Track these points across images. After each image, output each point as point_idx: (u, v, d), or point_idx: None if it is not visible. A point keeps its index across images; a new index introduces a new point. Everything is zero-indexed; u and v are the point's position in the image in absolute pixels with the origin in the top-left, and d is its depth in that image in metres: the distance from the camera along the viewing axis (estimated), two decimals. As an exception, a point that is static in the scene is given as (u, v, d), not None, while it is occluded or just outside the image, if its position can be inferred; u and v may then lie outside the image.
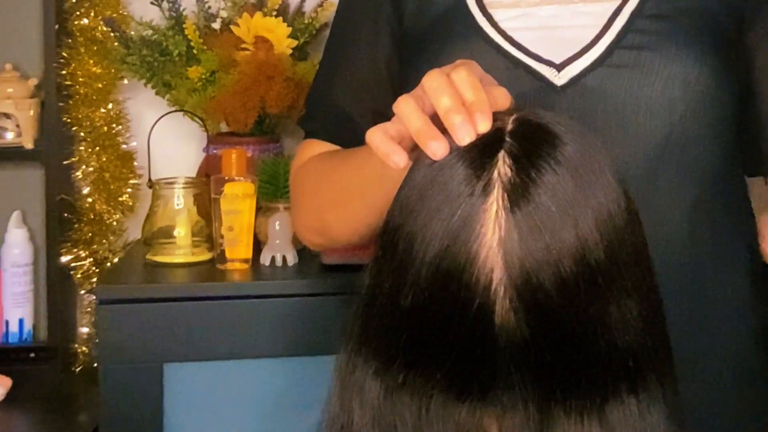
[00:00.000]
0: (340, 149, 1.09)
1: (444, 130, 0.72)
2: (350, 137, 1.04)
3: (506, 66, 0.98)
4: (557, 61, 0.98)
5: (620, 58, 0.96)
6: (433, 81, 0.74)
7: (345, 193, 1.00)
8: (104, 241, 1.91)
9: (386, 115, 0.79)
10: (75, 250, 1.89)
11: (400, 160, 0.73)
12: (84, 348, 1.91)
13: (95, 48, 1.86)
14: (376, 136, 0.76)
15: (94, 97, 1.88)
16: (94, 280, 1.89)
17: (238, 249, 1.60)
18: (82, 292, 1.92)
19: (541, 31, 0.99)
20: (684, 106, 0.95)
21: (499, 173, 0.68)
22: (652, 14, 0.98)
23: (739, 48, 1.02)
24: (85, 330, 1.93)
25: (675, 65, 0.96)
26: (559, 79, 0.97)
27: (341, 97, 1.11)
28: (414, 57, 1.05)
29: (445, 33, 1.03)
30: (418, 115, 0.73)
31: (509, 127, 0.71)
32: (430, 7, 1.05)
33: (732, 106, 1.00)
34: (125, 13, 1.89)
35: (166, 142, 1.87)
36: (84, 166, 1.90)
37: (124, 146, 1.92)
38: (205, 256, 1.67)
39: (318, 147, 1.12)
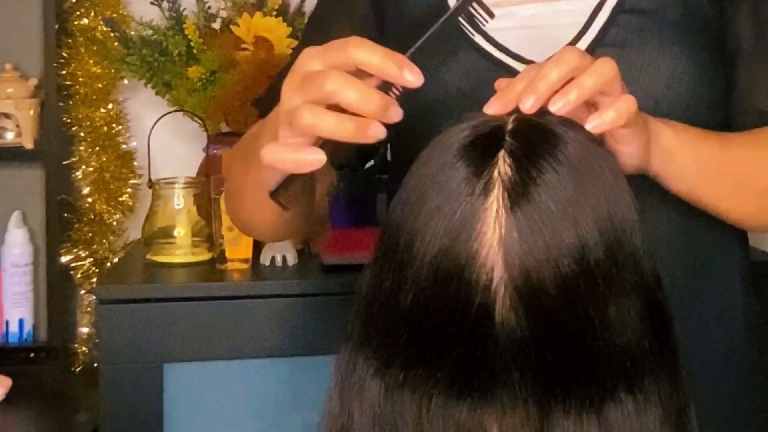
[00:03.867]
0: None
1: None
2: None
3: (488, 67, 0.97)
4: (539, 61, 0.96)
5: (602, 56, 0.94)
6: (331, 84, 0.71)
7: (239, 186, 0.99)
8: (104, 241, 1.91)
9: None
10: (75, 250, 1.90)
11: (317, 156, 0.72)
12: (84, 348, 1.91)
13: (95, 48, 1.87)
14: (269, 152, 0.74)
15: (94, 97, 1.89)
16: (94, 280, 1.89)
17: (238, 249, 1.61)
18: (82, 292, 1.93)
19: (522, 30, 0.98)
20: (668, 106, 0.94)
21: (499, 172, 0.68)
22: (634, 8, 0.97)
23: (722, 35, 1.01)
24: (85, 330, 1.94)
25: (659, 64, 0.94)
26: None
27: None
28: None
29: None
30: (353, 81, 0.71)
31: (509, 126, 0.71)
32: (412, 9, 1.03)
33: (717, 102, 0.99)
34: (125, 13, 1.90)
35: (166, 142, 1.87)
36: (84, 166, 1.90)
37: (124, 146, 1.93)
38: (205, 256, 1.67)
39: None
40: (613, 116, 0.72)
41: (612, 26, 0.96)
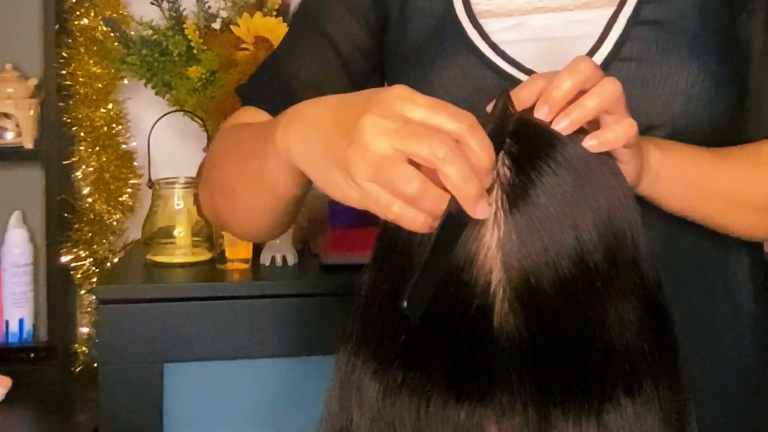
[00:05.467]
0: (260, 123, 0.97)
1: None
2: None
3: (499, 82, 0.93)
4: None
5: (619, 71, 0.90)
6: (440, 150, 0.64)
7: (230, 183, 0.95)
8: (104, 241, 1.91)
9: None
10: (75, 250, 1.90)
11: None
12: (84, 348, 1.91)
13: (95, 48, 1.86)
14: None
15: (94, 97, 1.89)
16: (94, 280, 1.89)
17: (238, 249, 1.61)
18: (82, 292, 1.93)
19: (534, 43, 0.95)
20: (685, 122, 0.92)
21: (498, 174, 0.67)
22: (649, 19, 0.94)
23: (737, 44, 0.99)
24: (85, 330, 1.94)
25: (677, 79, 0.92)
26: None
27: (289, 72, 1.04)
28: (402, 71, 1.00)
29: (434, 46, 0.97)
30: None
31: (509, 127, 0.70)
32: (417, 15, 1.00)
33: (733, 115, 0.97)
34: (125, 13, 1.90)
35: (166, 142, 1.87)
36: (84, 166, 1.90)
37: (124, 146, 1.93)
38: (205, 256, 1.67)
39: (252, 115, 1.02)
40: (609, 138, 0.72)
41: (628, 39, 0.94)
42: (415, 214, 0.65)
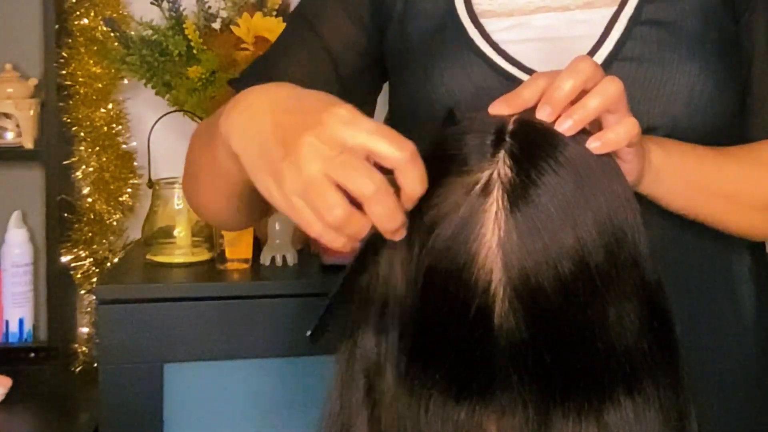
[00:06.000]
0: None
1: None
2: None
3: (500, 82, 0.93)
4: None
5: (619, 71, 0.90)
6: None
7: (193, 169, 0.95)
8: (104, 241, 1.91)
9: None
10: (75, 250, 1.90)
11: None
12: (84, 348, 1.91)
13: (95, 48, 1.87)
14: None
15: (94, 97, 1.89)
16: (94, 280, 1.89)
17: (238, 249, 1.61)
18: (82, 292, 1.93)
19: (536, 43, 0.95)
20: (686, 122, 0.92)
21: (499, 174, 0.68)
22: (651, 19, 0.94)
23: (738, 45, 0.99)
24: (85, 330, 1.94)
25: (678, 79, 0.92)
26: None
27: (279, 69, 1.04)
28: (404, 71, 1.00)
29: (436, 46, 0.97)
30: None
31: (510, 127, 0.71)
32: (419, 16, 1.00)
33: (735, 116, 0.97)
34: (125, 13, 1.90)
35: (166, 142, 1.87)
36: (84, 166, 1.90)
37: (124, 146, 1.93)
38: (205, 256, 1.67)
39: None
40: (612, 138, 0.72)
41: (629, 39, 0.94)
42: (335, 236, 0.67)
